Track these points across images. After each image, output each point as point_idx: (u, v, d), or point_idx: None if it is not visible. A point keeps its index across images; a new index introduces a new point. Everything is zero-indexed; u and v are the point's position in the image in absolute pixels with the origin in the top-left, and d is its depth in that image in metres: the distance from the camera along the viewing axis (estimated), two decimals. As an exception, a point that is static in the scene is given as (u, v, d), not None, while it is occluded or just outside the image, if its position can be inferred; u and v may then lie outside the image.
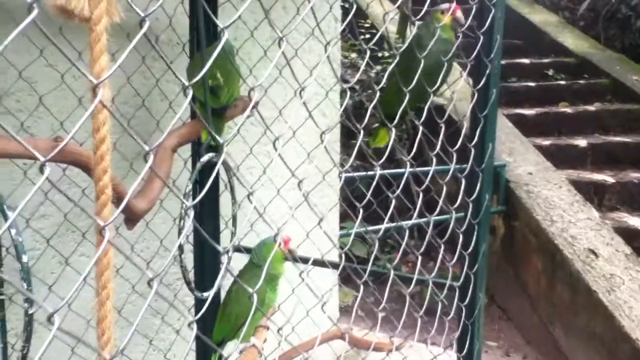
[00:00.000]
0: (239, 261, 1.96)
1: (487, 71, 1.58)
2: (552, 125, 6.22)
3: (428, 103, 1.43)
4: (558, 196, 4.70)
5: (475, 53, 1.58)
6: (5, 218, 0.88)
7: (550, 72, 7.22)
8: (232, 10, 2.25)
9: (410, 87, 1.28)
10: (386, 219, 1.47)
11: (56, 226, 1.91)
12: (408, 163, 1.46)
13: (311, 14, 2.88)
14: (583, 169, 5.57)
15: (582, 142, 5.79)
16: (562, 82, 6.99)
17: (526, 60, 7.39)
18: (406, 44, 1.44)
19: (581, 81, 6.90)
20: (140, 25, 0.62)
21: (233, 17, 1.02)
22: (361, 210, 1.25)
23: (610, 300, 3.71)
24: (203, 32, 1.86)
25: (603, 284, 3.82)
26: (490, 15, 1.56)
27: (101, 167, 1.12)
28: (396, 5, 1.44)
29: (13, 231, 0.94)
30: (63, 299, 0.68)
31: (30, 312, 0.94)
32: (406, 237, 1.50)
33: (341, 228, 3.85)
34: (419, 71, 1.30)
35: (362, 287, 1.18)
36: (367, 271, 1.39)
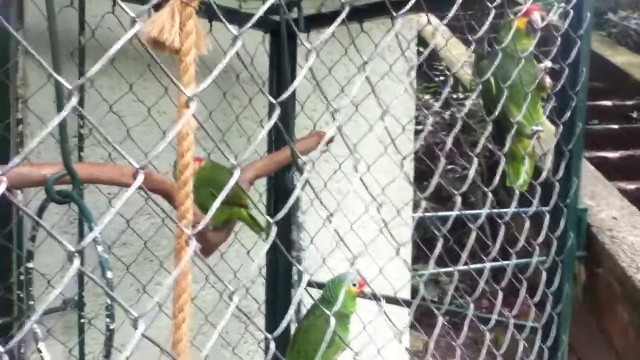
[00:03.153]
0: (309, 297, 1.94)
1: (573, 104, 1.52)
2: (638, 169, 5.91)
3: (512, 131, 1.38)
4: (645, 243, 4.42)
5: (560, 86, 1.53)
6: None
7: (635, 115, 6.91)
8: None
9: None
10: (464, 257, 1.41)
11: (135, 255, 1.97)
12: (489, 200, 1.40)
13: (386, 54, 2.90)
14: (672, 216, 5.22)
15: (671, 187, 5.47)
16: (648, 125, 6.68)
17: (608, 103, 7.11)
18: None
19: (669, 123, 6.57)
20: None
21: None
22: (439, 245, 1.21)
23: None
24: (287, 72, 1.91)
25: (699, 340, 3.52)
26: (576, 47, 1.52)
27: (184, 192, 1.16)
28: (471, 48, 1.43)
29: (100, 248, 0.97)
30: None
31: (111, 327, 0.96)
32: (484, 278, 1.44)
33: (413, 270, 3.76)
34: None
35: (440, 320, 1.13)
36: (444, 309, 1.33)
